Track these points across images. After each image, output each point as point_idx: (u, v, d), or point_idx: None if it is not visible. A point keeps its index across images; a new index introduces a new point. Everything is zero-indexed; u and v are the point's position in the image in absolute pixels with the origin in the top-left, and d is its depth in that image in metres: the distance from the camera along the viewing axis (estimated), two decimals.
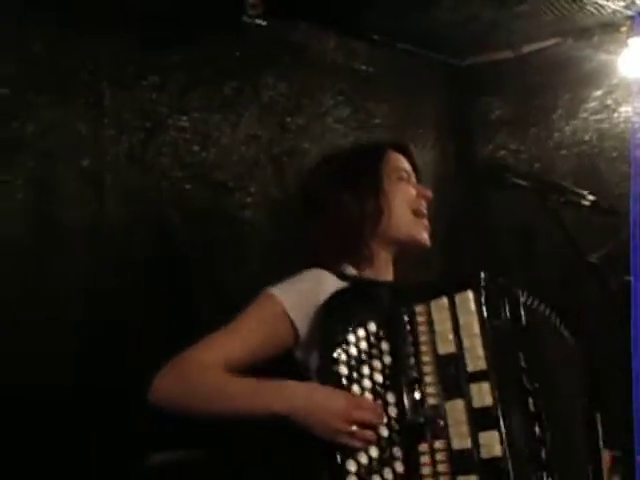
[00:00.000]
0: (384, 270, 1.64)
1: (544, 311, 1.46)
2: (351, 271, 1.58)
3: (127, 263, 2.02)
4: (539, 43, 2.69)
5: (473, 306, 1.34)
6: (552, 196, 1.34)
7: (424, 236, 1.62)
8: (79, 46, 2.00)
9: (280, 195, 2.39)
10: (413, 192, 1.65)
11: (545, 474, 1.29)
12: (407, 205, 1.62)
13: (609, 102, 2.58)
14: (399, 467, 1.31)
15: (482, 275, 1.37)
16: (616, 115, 2.57)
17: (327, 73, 2.59)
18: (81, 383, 1.88)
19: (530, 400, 1.33)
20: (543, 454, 1.31)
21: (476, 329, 1.33)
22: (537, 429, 1.32)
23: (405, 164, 1.69)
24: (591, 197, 1.35)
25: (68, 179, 1.98)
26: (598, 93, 2.60)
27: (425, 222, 1.64)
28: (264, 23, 2.26)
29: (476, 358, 1.31)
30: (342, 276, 1.53)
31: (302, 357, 1.48)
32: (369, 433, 1.29)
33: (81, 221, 1.99)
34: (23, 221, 1.88)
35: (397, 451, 1.32)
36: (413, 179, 1.69)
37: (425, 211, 1.65)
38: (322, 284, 1.47)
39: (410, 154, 1.73)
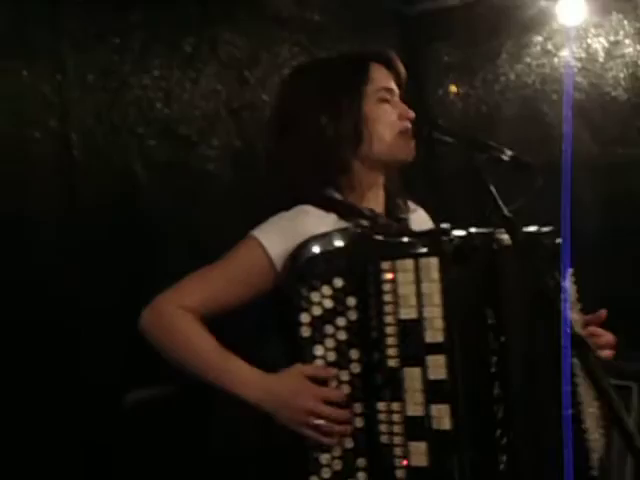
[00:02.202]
0: (373, 195, 1.58)
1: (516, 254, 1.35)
2: (335, 196, 1.53)
3: (98, 219, 2.15)
4: None
5: (437, 274, 1.30)
6: (475, 153, 1.39)
7: (408, 153, 1.55)
8: (41, 11, 2.08)
9: (242, 147, 2.52)
10: (395, 114, 1.54)
11: (503, 436, 1.31)
12: (389, 129, 1.53)
13: (549, 47, 2.72)
14: (359, 422, 1.35)
15: (449, 237, 1.33)
16: (556, 60, 2.71)
17: (282, 26, 2.68)
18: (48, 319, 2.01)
19: (494, 361, 1.33)
20: (502, 416, 1.31)
21: (437, 299, 1.31)
22: (497, 390, 1.32)
23: (389, 82, 1.57)
24: (510, 152, 1.42)
25: (37, 141, 2.09)
26: (539, 39, 2.73)
27: (409, 140, 1.54)
28: None
29: (434, 330, 1.31)
30: (324, 205, 1.50)
31: None
32: (336, 427, 1.32)
33: (51, 180, 2.11)
34: None
35: (358, 407, 1.35)
36: (396, 97, 1.58)
37: (409, 130, 1.54)
38: (305, 222, 1.45)
39: (396, 67, 1.59)
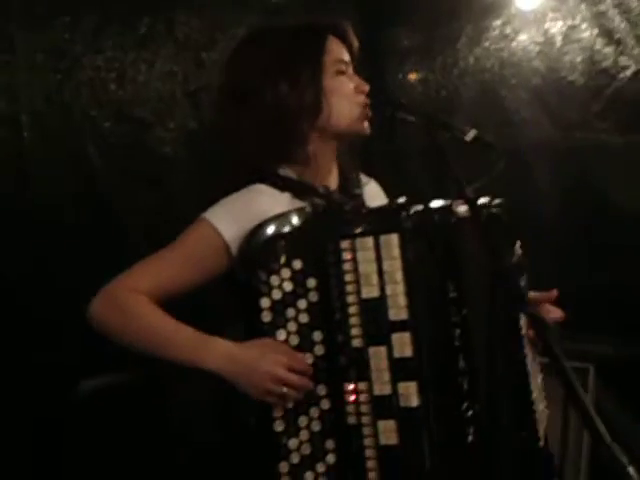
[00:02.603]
0: (327, 169, 1.56)
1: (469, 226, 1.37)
2: (289, 174, 1.50)
3: (51, 205, 2.10)
4: None
5: (397, 251, 1.30)
6: (438, 132, 1.41)
7: (365, 126, 1.53)
8: None
9: (198, 129, 2.47)
10: (351, 86, 1.53)
11: (469, 409, 1.33)
12: (346, 101, 1.51)
13: (508, 31, 2.71)
14: (325, 404, 1.34)
15: (410, 213, 1.33)
16: (515, 44, 2.71)
17: (239, 7, 2.63)
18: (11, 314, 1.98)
19: (457, 333, 1.33)
20: (467, 388, 1.32)
21: (399, 276, 1.30)
22: (462, 363, 1.33)
23: (344, 54, 1.56)
24: (473, 132, 1.44)
25: None
26: (498, 23, 2.73)
27: (365, 112, 1.52)
28: None
29: (398, 307, 1.30)
30: (279, 184, 1.47)
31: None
32: (299, 394, 1.31)
33: (1, 163, 2.05)
34: None
35: (322, 389, 1.34)
36: (350, 70, 1.56)
37: (365, 102, 1.52)
38: (259, 202, 1.42)
39: (349, 39, 1.57)
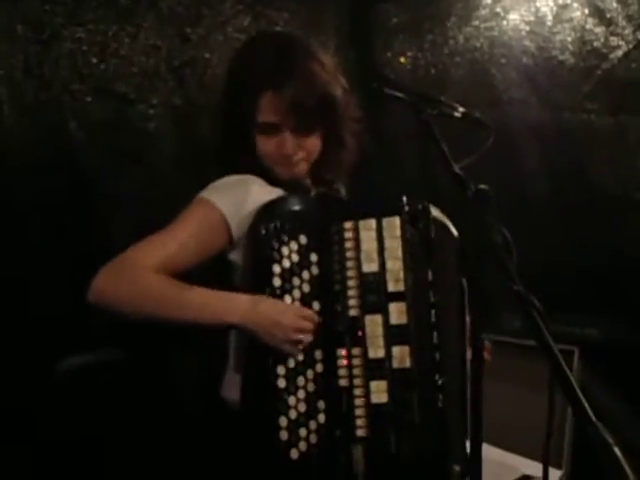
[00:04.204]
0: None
1: (443, 223, 1.56)
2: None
3: (28, 178, 2.05)
4: None
5: (399, 232, 1.46)
6: (426, 108, 1.42)
7: (290, 175, 1.59)
8: None
9: (183, 106, 2.42)
10: (272, 146, 1.56)
11: (439, 378, 1.47)
12: (265, 157, 1.58)
13: (498, 10, 2.68)
14: (319, 367, 1.46)
15: (405, 201, 1.49)
16: (505, 23, 2.67)
17: None
18: None
19: (433, 313, 1.48)
20: (438, 361, 1.47)
21: (399, 253, 1.46)
22: (435, 338, 1.48)
23: (273, 114, 1.53)
24: (462, 109, 1.45)
25: None
26: (488, 1, 2.69)
27: (290, 165, 1.57)
28: None
29: (397, 280, 1.46)
30: (273, 181, 1.56)
31: (235, 259, 1.53)
32: (309, 340, 1.45)
33: None
34: None
35: (318, 354, 1.47)
36: (284, 129, 1.55)
37: (287, 158, 1.57)
38: (254, 189, 1.52)
39: (286, 93, 1.51)
